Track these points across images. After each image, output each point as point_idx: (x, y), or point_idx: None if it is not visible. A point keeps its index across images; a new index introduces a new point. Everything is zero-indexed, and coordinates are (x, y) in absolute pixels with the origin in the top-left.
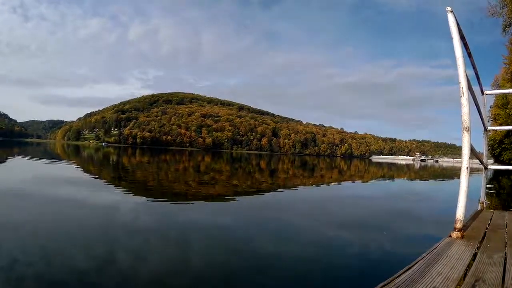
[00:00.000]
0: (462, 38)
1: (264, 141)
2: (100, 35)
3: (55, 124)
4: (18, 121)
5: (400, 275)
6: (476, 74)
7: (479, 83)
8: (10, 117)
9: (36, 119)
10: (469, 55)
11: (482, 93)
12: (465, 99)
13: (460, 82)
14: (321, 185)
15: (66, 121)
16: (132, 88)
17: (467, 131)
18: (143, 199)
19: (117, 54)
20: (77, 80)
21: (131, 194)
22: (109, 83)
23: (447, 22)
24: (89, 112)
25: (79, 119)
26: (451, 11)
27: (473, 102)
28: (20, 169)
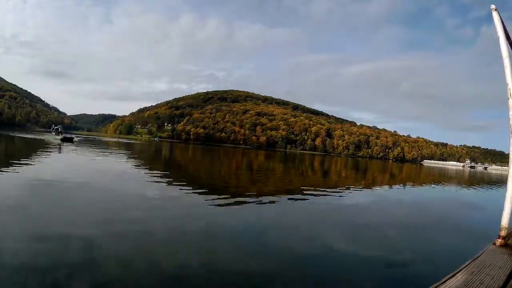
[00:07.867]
0: (508, 37)
1: (318, 141)
2: None
3: (106, 118)
4: (68, 114)
5: (444, 281)
6: None
7: None
8: (60, 110)
9: (87, 113)
10: None
11: None
12: None
13: (507, 84)
14: (373, 188)
15: (118, 115)
16: (149, 75)
17: None
18: (203, 195)
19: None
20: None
21: (187, 187)
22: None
23: None
24: (141, 107)
25: (132, 113)
26: (495, 9)
27: None
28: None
